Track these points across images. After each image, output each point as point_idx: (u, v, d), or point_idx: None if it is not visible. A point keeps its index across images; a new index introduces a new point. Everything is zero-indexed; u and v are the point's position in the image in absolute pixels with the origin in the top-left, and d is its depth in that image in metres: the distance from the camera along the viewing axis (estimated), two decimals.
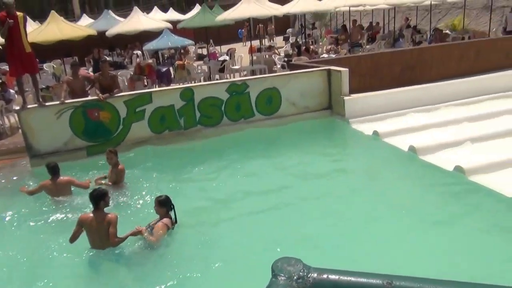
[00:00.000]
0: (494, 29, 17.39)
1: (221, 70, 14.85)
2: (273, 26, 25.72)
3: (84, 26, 16.47)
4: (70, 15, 30.76)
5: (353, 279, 0.76)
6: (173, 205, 5.07)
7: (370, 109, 8.89)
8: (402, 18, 22.34)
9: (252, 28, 22.78)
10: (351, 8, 18.00)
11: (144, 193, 6.11)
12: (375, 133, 7.76)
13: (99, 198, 4.73)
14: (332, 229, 4.94)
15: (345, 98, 8.87)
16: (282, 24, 27.09)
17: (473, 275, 3.63)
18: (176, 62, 15.16)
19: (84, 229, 4.75)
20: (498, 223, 4.85)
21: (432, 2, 18.13)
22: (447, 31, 18.02)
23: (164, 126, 8.30)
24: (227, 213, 5.64)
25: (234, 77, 13.94)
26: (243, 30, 26.07)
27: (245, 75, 14.07)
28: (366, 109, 8.89)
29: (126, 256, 4.64)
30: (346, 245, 4.55)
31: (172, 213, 5.06)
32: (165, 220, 4.95)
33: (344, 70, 9.04)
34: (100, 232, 4.68)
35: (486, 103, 9.20)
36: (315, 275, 0.76)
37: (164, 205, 5.01)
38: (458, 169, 5.95)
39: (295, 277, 0.75)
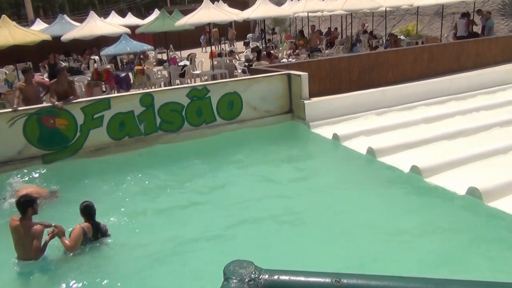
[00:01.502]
0: (445, 35, 18.12)
1: (182, 75, 14.74)
2: (233, 31, 25.79)
3: (38, 31, 15.93)
4: (23, 20, 29.71)
5: (303, 278, 0.77)
6: (93, 213, 4.83)
7: (329, 112, 9.06)
8: (359, 24, 22.98)
9: (213, 33, 22.76)
10: (310, 14, 18.34)
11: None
12: (335, 136, 7.91)
13: (26, 205, 4.53)
14: (289, 231, 4.98)
15: (305, 101, 8.99)
16: (242, 29, 27.22)
17: (423, 272, 3.75)
18: (135, 67, 14.93)
19: (11, 234, 4.55)
20: (452, 220, 5.04)
21: (387, 9, 18.71)
22: (402, 37, 18.64)
23: (123, 132, 8.14)
24: (179, 221, 5.53)
25: (195, 82, 13.86)
26: (204, 35, 25.96)
27: (206, 80, 14.02)
28: (326, 112, 9.05)
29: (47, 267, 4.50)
30: (302, 247, 4.59)
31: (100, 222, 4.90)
32: (83, 224, 4.74)
33: (304, 74, 9.17)
34: (25, 242, 4.48)
35: (439, 105, 9.57)
36: (266, 276, 0.76)
37: (82, 213, 4.82)
38: (414, 169, 6.14)
39: (246, 279, 0.75)
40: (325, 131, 8.39)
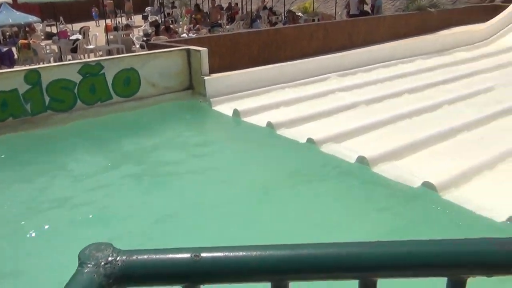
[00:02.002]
0: (339, 13, 19.01)
1: (74, 50, 13.76)
2: (130, 4, 24.55)
3: None
4: None
5: (161, 256, 0.74)
6: None
7: (230, 88, 9.08)
8: (259, 0, 23.13)
9: (106, 4, 21.40)
10: None
11: None
12: (235, 112, 7.96)
13: None
14: (186, 211, 4.93)
15: (206, 78, 8.90)
16: (140, 2, 26.01)
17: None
18: (20, 41, 13.59)
19: None
20: (346, 187, 5.40)
21: None
22: (299, 13, 19.17)
23: (7, 113, 7.41)
24: (66, 209, 5.17)
25: (89, 58, 13.00)
26: (95, 10, 24.23)
27: (101, 56, 13.23)
28: (227, 88, 9.05)
29: None
30: (199, 227, 4.54)
31: None
32: None
33: (204, 49, 9.04)
34: None
35: (334, 79, 10.07)
36: (124, 257, 0.72)
37: None
38: (310, 140, 6.43)
39: (102, 263, 0.70)
40: (226, 107, 8.40)
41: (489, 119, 7.10)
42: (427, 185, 4.95)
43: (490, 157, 5.56)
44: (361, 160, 5.69)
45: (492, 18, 14.93)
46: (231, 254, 0.74)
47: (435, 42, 13.22)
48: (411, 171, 5.37)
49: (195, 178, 5.75)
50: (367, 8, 17.38)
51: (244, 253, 0.75)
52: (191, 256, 0.73)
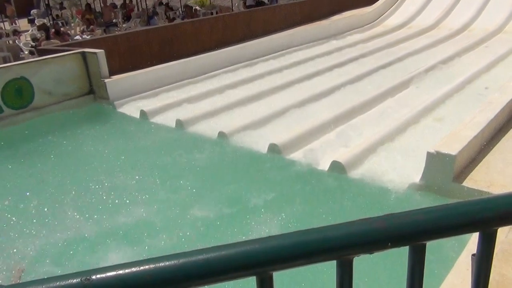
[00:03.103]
0: (236, 4, 19.18)
1: None
2: (12, 8, 22.61)
3: None
4: None
5: (51, 285, 0.70)
6: None
7: (134, 89, 8.79)
8: None
9: None
10: None
11: None
12: (142, 112, 7.73)
13: None
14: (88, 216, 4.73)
15: (106, 80, 8.52)
16: (24, 4, 24.09)
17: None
18: None
19: None
20: (250, 175, 5.49)
21: None
22: (197, 7, 19.03)
23: None
24: None
25: None
26: None
27: None
28: (130, 89, 8.75)
29: None
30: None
31: None
32: None
33: (100, 51, 8.63)
34: None
35: (238, 71, 10.17)
36: None
37: None
38: (221, 135, 6.44)
39: None
40: (132, 108, 8.13)
41: (387, 96, 7.65)
42: (335, 165, 5.21)
43: (390, 130, 5.99)
44: (273, 147, 5.83)
45: (376, 1, 16.02)
46: (122, 271, 0.72)
47: (329, 27, 13.89)
48: (319, 154, 5.62)
49: (106, 186, 5.49)
50: None
51: (137, 269, 0.73)
52: (81, 280, 0.69)
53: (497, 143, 5.19)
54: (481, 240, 1.07)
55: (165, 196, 5.08)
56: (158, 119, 7.55)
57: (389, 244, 0.96)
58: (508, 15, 12.92)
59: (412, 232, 0.99)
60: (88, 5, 18.55)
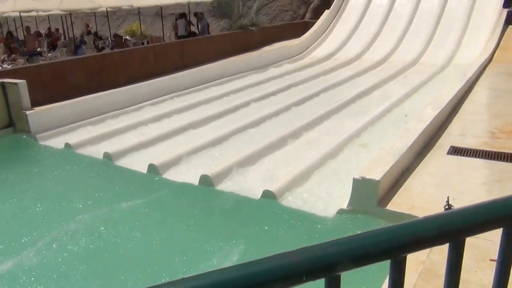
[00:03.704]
0: (167, 34, 19.18)
1: None
2: None
3: None
4: None
5: None
6: None
7: (59, 120, 8.41)
8: (82, 24, 21.98)
9: None
10: (23, 14, 16.50)
11: None
12: (67, 145, 7.38)
13: None
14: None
15: (28, 112, 8.09)
16: None
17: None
18: None
19: None
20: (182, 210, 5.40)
21: (108, 9, 18.49)
22: (127, 37, 18.79)
23: None
24: None
25: None
26: None
27: None
28: (55, 121, 8.36)
29: None
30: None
31: None
32: None
33: (21, 82, 8.22)
34: None
35: (169, 101, 10.09)
36: None
37: None
38: (151, 168, 6.28)
39: None
40: (56, 141, 7.74)
41: (314, 124, 7.91)
42: (266, 194, 5.26)
43: (318, 158, 6.18)
44: (204, 179, 5.77)
45: (304, 33, 16.77)
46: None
47: (260, 58, 14.27)
48: (251, 183, 5.66)
49: (27, 221, 5.13)
50: (194, 29, 17.92)
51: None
52: None
53: (416, 167, 5.52)
54: (392, 267, 1.11)
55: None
56: (84, 152, 7.23)
57: (304, 278, 0.97)
58: (423, 48, 14.02)
59: (326, 265, 1.01)
60: (9, 32, 17.67)
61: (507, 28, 14.02)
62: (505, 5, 14.48)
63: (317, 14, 18.37)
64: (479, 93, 8.85)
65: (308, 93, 10.07)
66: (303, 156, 6.38)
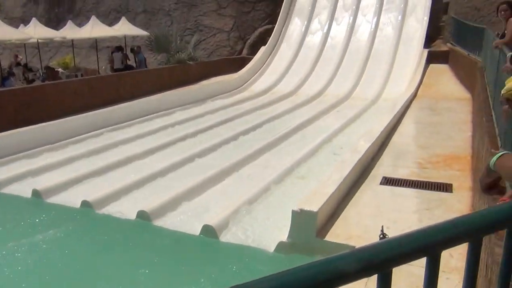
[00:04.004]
0: (103, 67, 18.79)
1: None
2: None
3: None
4: None
5: None
6: None
7: None
8: (11, 56, 21.00)
9: None
10: None
11: None
12: None
13: None
14: None
15: None
16: None
17: None
18: None
19: None
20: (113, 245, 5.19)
21: (39, 41, 17.86)
22: (60, 69, 18.18)
23: None
24: None
25: None
26: None
27: None
28: None
29: None
30: None
31: None
32: None
33: None
34: None
35: (104, 135, 9.79)
36: None
37: None
38: (84, 204, 6.01)
39: None
40: None
41: (253, 158, 7.98)
42: (206, 229, 5.18)
43: (258, 191, 6.21)
44: (141, 215, 5.60)
45: (241, 68, 17.12)
46: None
47: (199, 91, 14.33)
48: (192, 219, 5.56)
49: None
50: (130, 62, 17.72)
51: None
52: None
53: (352, 197, 5.70)
54: None
55: None
56: (10, 190, 6.78)
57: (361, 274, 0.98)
58: (354, 84, 14.77)
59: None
60: None
61: (428, 66, 15.16)
62: (425, 46, 15.73)
63: (254, 50, 18.89)
64: (407, 126, 9.42)
65: (247, 126, 10.20)
66: (242, 190, 6.38)
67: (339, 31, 17.62)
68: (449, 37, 16.11)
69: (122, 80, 13.63)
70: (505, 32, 6.76)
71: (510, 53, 4.92)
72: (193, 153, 8.15)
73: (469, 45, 12.93)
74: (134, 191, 6.53)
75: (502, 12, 6.90)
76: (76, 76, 16.67)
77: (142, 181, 6.83)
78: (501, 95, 3.92)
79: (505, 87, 3.83)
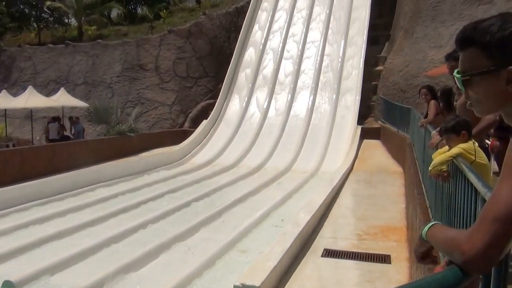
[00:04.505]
0: (38, 138, 18.11)
1: None
2: None
3: None
4: None
5: None
6: None
7: None
8: None
9: None
10: None
11: None
12: None
13: None
14: None
15: None
16: None
17: None
18: None
19: None
20: None
21: None
22: None
23: None
24: None
25: None
26: None
27: None
28: None
29: None
30: None
31: None
32: None
33: None
34: None
35: (35, 208, 9.20)
36: None
37: None
38: (7, 284, 5.47)
39: None
40: None
41: (193, 231, 7.76)
42: None
43: (198, 266, 5.98)
44: None
45: (183, 141, 17.15)
46: None
47: (139, 163, 14.06)
48: None
49: None
50: (67, 133, 17.26)
51: None
52: None
53: (294, 270, 5.64)
54: None
55: None
56: None
57: None
58: (293, 157, 15.20)
59: None
60: None
61: (362, 141, 16.04)
62: (359, 123, 16.77)
63: (196, 124, 19.13)
64: (345, 198, 9.70)
65: (188, 199, 10.02)
66: (182, 265, 6.12)
67: (277, 107, 18.42)
68: (379, 115, 17.32)
69: (57, 151, 13.15)
70: (428, 112, 7.48)
71: (434, 131, 5.35)
72: (131, 226, 7.80)
73: (397, 123, 13.94)
74: (68, 268, 6.06)
75: (423, 96, 7.79)
76: (7, 146, 15.88)
77: (77, 256, 6.38)
78: (429, 171, 4.21)
79: (432, 163, 4.13)
